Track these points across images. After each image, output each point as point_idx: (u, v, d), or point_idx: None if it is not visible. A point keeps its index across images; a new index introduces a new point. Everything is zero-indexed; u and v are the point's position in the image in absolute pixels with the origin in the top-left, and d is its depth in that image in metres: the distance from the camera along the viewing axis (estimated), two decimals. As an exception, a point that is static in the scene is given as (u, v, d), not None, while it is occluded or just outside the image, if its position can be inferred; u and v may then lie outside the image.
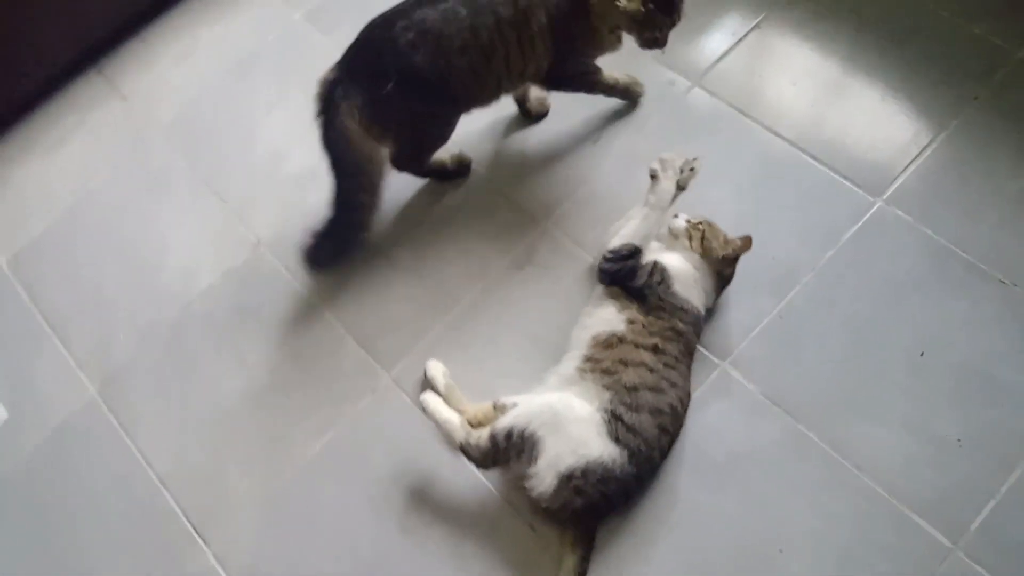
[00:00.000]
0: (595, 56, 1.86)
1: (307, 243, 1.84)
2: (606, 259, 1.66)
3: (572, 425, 1.47)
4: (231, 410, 1.82)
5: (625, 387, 1.51)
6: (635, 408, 1.49)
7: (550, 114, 2.06)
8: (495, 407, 1.56)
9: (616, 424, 1.47)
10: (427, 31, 1.64)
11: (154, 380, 1.88)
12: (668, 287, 1.61)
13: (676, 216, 1.71)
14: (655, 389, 1.52)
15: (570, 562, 1.48)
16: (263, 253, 2.01)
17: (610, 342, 1.57)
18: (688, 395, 1.59)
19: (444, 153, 1.96)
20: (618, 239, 1.66)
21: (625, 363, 1.54)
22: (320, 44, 2.31)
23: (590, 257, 1.83)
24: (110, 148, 2.27)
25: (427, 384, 1.71)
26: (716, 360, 1.70)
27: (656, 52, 1.73)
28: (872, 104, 1.97)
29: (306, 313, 1.91)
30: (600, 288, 1.68)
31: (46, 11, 2.19)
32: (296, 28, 2.38)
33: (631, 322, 1.58)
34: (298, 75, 2.24)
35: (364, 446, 1.72)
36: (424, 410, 1.61)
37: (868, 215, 1.81)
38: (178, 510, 1.72)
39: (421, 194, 2.02)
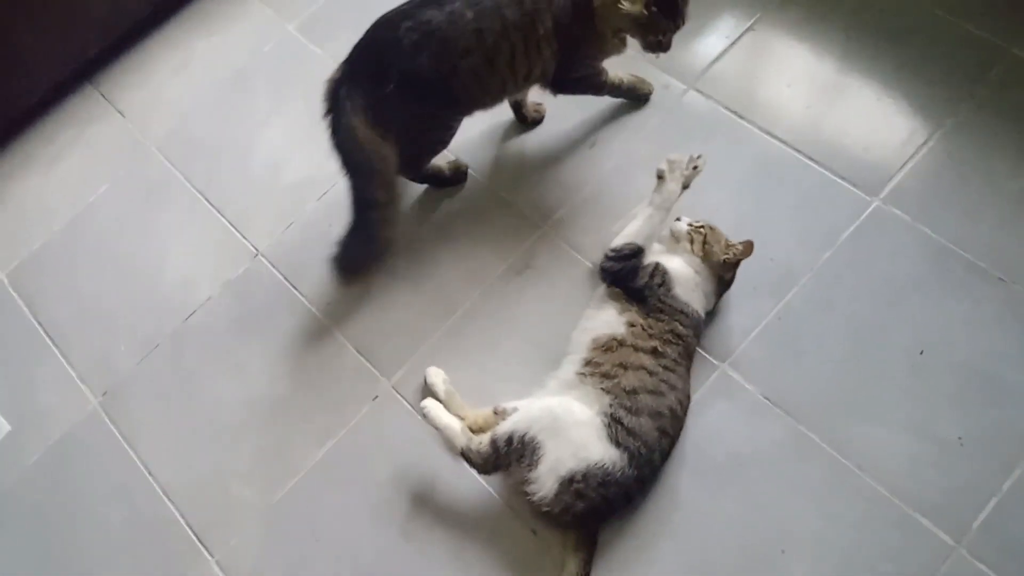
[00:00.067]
0: (600, 59, 1.86)
1: (334, 253, 1.84)
2: (608, 258, 1.66)
3: (572, 429, 1.47)
4: (232, 419, 1.82)
5: (625, 390, 1.51)
6: (635, 411, 1.49)
7: (546, 119, 2.07)
8: (495, 412, 1.56)
9: (616, 427, 1.47)
10: (432, 32, 1.63)
11: (155, 391, 1.89)
12: (669, 289, 1.62)
13: (678, 219, 1.72)
14: (655, 392, 1.52)
15: (572, 565, 1.48)
16: (262, 263, 2.01)
17: (610, 345, 1.57)
18: (688, 397, 1.59)
19: (441, 160, 1.96)
20: (620, 238, 1.66)
21: (625, 366, 1.54)
22: (314, 55, 2.32)
23: (588, 261, 1.83)
24: (108, 161, 2.28)
25: (427, 390, 1.71)
26: (716, 362, 1.70)
27: (652, 56, 1.73)
28: (868, 104, 1.97)
29: (306, 322, 1.91)
30: (602, 289, 1.68)
31: (42, 26, 2.20)
32: (290, 39, 2.39)
33: (631, 325, 1.59)
34: (293, 86, 2.28)
35: (365, 453, 1.72)
36: (424, 417, 1.60)
37: (865, 214, 1.81)
38: (181, 520, 1.73)
39: (419, 200, 2.02)
